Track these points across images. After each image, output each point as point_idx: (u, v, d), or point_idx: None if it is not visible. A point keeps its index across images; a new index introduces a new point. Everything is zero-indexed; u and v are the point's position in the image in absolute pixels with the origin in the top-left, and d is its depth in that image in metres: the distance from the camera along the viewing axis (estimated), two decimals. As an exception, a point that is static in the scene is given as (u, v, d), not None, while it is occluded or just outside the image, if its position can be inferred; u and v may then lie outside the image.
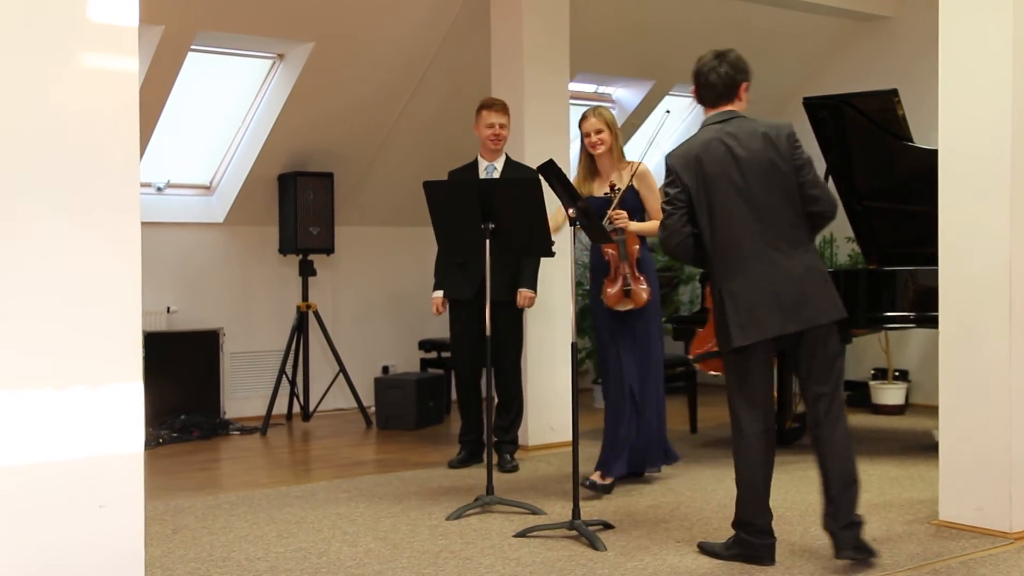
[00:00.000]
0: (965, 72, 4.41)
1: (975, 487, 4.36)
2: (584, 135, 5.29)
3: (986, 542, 4.21)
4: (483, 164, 5.82)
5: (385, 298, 8.26)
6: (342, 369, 7.40)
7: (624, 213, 5.07)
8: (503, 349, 5.71)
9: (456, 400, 6.12)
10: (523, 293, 5.77)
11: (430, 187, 4.94)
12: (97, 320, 3.01)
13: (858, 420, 7.45)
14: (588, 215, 4.54)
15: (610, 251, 5.13)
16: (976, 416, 4.37)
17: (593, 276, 5.34)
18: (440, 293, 5.84)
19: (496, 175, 5.77)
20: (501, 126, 5.77)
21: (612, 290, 5.14)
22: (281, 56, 7.06)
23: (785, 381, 6.43)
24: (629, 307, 5.14)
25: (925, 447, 6.15)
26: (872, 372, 8.04)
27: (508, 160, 5.87)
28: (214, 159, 7.51)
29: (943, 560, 4.01)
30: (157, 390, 6.62)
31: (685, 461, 5.91)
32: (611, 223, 5.01)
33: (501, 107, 5.79)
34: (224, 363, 7.32)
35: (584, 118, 5.31)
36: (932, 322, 4.98)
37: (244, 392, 7.58)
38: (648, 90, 8.35)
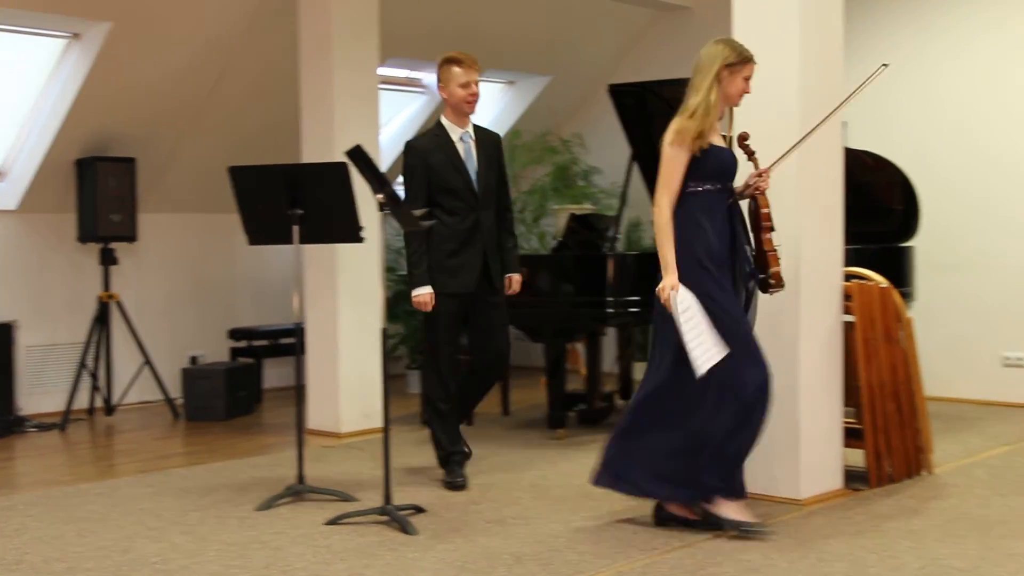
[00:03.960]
0: (757, 60, 4.61)
1: (769, 459, 4.57)
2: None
3: (780, 509, 4.44)
4: (455, 131, 5.01)
5: (192, 287, 8.03)
6: (147, 360, 7.18)
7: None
8: (506, 339, 5.21)
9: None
10: (515, 278, 5.20)
11: (236, 172, 4.85)
12: None
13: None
14: (396, 202, 4.52)
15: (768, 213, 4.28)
16: (769, 391, 4.59)
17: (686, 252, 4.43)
18: (428, 289, 4.91)
19: (472, 144, 5.03)
20: (477, 84, 4.99)
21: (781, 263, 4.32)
22: (77, 35, 6.74)
23: (594, 359, 6.58)
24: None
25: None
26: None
27: (476, 127, 5.12)
28: (5, 142, 7.13)
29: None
30: (-56, 387, 6.30)
31: (498, 443, 6.00)
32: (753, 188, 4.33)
33: (473, 62, 4.97)
34: (19, 357, 6.98)
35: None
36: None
37: (41, 387, 7.24)
38: (459, 76, 8.38)
